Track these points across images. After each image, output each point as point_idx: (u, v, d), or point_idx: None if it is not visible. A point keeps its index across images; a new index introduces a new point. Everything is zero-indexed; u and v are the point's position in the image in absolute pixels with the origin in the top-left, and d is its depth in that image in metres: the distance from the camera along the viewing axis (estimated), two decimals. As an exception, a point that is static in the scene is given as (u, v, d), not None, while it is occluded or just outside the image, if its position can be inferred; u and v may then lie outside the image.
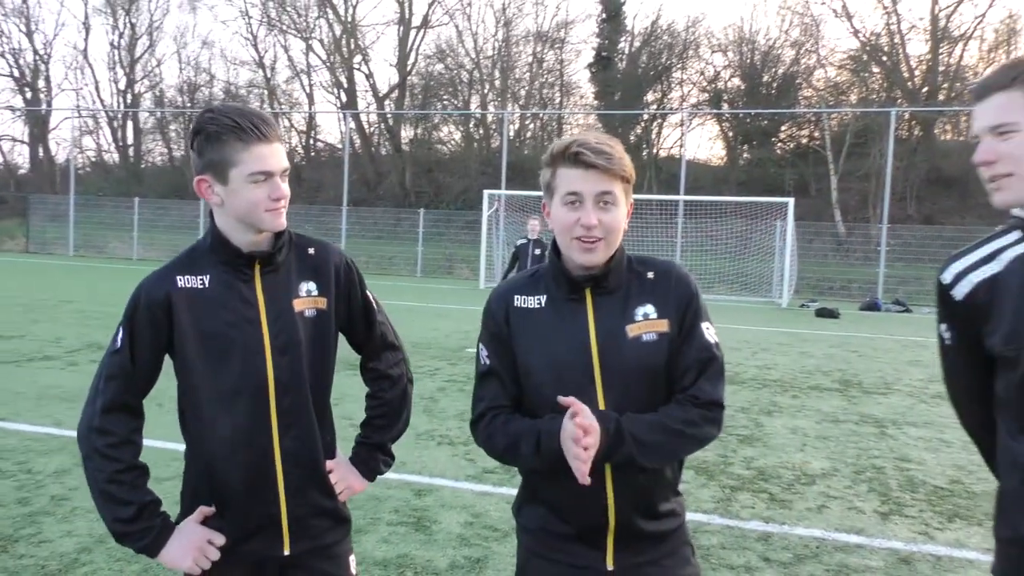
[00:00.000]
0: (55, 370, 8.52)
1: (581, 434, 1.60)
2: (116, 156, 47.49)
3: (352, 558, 2.04)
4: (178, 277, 1.87)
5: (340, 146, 41.73)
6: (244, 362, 1.85)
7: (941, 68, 35.29)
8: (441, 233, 31.28)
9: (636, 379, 1.74)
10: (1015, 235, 1.65)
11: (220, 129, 1.76)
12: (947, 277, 1.72)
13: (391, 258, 30.47)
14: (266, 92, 45.61)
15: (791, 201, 23.25)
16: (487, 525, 4.49)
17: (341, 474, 2.02)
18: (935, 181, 32.51)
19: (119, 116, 46.54)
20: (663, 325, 1.79)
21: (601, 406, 1.74)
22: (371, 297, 2.10)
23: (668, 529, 1.84)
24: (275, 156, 1.81)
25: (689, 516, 4.79)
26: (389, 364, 2.14)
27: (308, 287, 1.94)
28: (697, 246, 26.28)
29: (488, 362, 1.85)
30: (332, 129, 46.56)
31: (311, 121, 44.91)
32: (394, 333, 2.17)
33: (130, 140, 47.02)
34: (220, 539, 1.85)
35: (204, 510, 1.88)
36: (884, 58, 35.98)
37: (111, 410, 1.84)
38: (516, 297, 1.84)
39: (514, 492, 1.98)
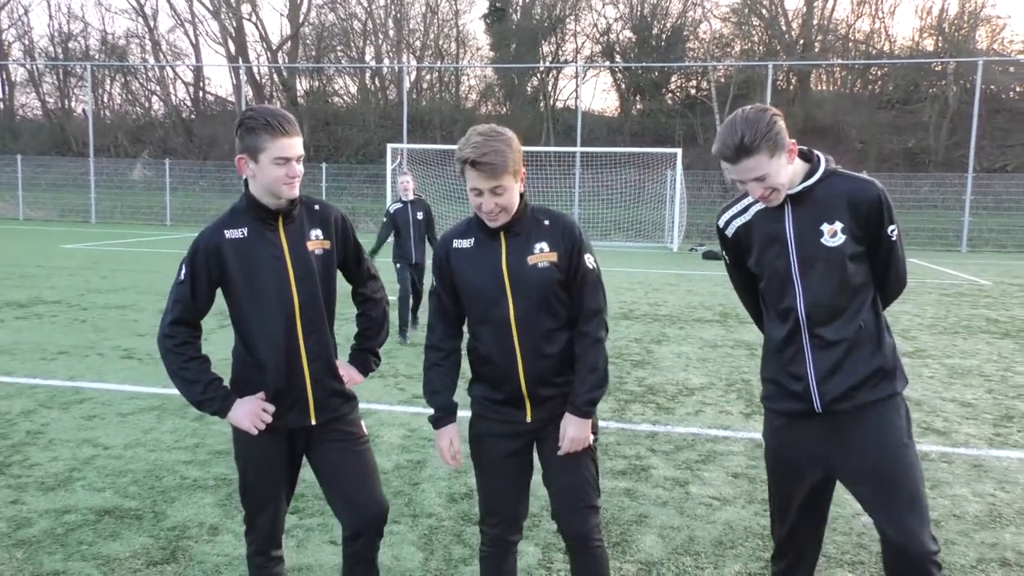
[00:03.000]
0: (-20, 328, 8.71)
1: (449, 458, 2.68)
2: (-15, 111, 44.68)
3: (362, 422, 2.81)
4: (225, 231, 2.55)
5: (231, 99, 40.73)
6: (277, 288, 2.56)
7: (815, 22, 37.40)
8: (343, 187, 31.33)
9: (534, 291, 2.52)
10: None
11: (256, 125, 2.45)
12: (721, 223, 2.66)
13: (293, 213, 30.31)
14: (148, 42, 43.78)
15: (679, 152, 24.63)
16: (423, 436, 5.29)
17: (344, 370, 2.79)
18: (810, 130, 34.65)
19: (-14, 68, 43.66)
20: (553, 256, 2.54)
21: (511, 311, 2.54)
22: (359, 241, 2.84)
23: (563, 392, 2.64)
24: (293, 147, 2.48)
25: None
26: (373, 290, 2.91)
27: (316, 233, 2.65)
28: (594, 196, 27.45)
29: (435, 285, 2.69)
30: (223, 81, 45.23)
31: (199, 73, 43.48)
32: (375, 268, 2.93)
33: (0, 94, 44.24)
34: (272, 408, 2.59)
35: (260, 396, 2.59)
36: (764, 12, 37.79)
37: (175, 323, 2.55)
38: (454, 241, 2.64)
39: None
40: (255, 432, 2.56)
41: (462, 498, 4.28)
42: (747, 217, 2.59)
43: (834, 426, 2.51)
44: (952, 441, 5.49)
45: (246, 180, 2.58)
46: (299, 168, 2.53)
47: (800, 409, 2.53)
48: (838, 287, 2.45)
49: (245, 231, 2.55)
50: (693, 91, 38.59)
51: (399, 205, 8.99)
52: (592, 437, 2.62)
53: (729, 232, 2.64)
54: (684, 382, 7.08)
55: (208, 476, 4.46)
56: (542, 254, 2.53)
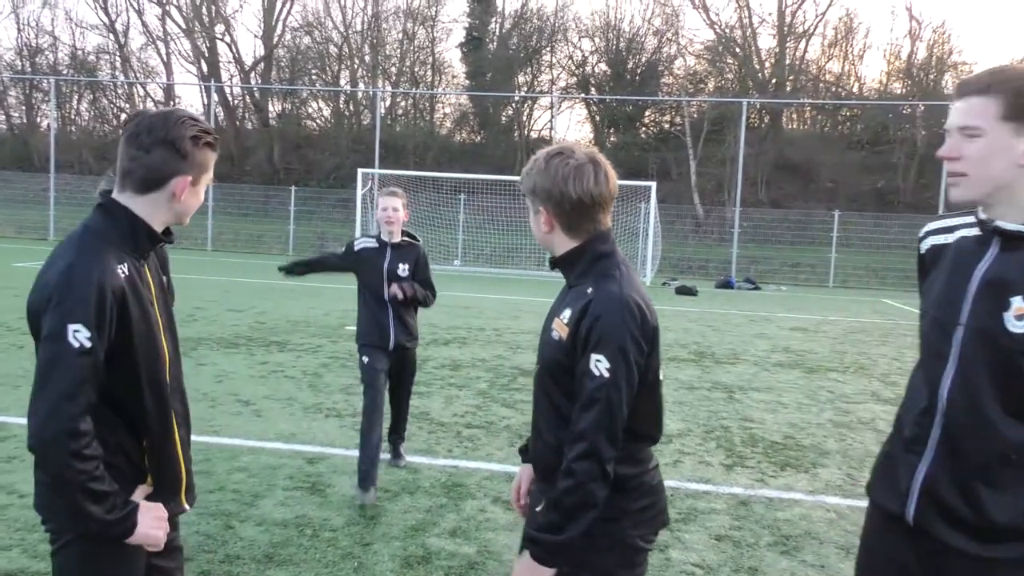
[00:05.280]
0: (-93, 353, 8.08)
1: None
2: (-55, 123, 43.52)
3: None
4: (116, 265, 1.83)
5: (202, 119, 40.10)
6: (151, 340, 1.91)
7: (788, 61, 37.86)
8: (312, 211, 30.79)
9: (546, 369, 2.06)
10: (971, 219, 1.90)
11: (210, 140, 1.98)
12: (922, 232, 2.03)
13: (260, 236, 29.72)
14: (119, 59, 43.03)
15: (653, 185, 24.51)
16: (379, 487, 4.82)
17: None
18: (782, 167, 34.98)
19: (-51, 79, 42.62)
20: (564, 330, 1.98)
21: None
22: None
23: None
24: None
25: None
26: None
27: (159, 270, 2.06)
28: (566, 226, 27.13)
29: None
30: (193, 100, 44.36)
31: (169, 92, 42.81)
32: None
33: (-37, 106, 43.13)
34: (162, 508, 1.91)
35: (144, 488, 1.92)
36: (738, 50, 38.20)
37: (84, 413, 1.76)
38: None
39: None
40: (162, 545, 1.89)
41: (418, 563, 3.83)
42: (948, 238, 1.94)
43: (928, 550, 1.86)
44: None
45: (111, 199, 1.90)
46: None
47: (893, 509, 1.92)
48: (1002, 387, 1.74)
49: (126, 267, 1.86)
50: (667, 125, 38.75)
51: (372, 244, 5.09)
52: None
53: (923, 246, 2.01)
54: (660, 428, 6.69)
55: (133, 533, 3.96)
56: (559, 320, 2.03)
